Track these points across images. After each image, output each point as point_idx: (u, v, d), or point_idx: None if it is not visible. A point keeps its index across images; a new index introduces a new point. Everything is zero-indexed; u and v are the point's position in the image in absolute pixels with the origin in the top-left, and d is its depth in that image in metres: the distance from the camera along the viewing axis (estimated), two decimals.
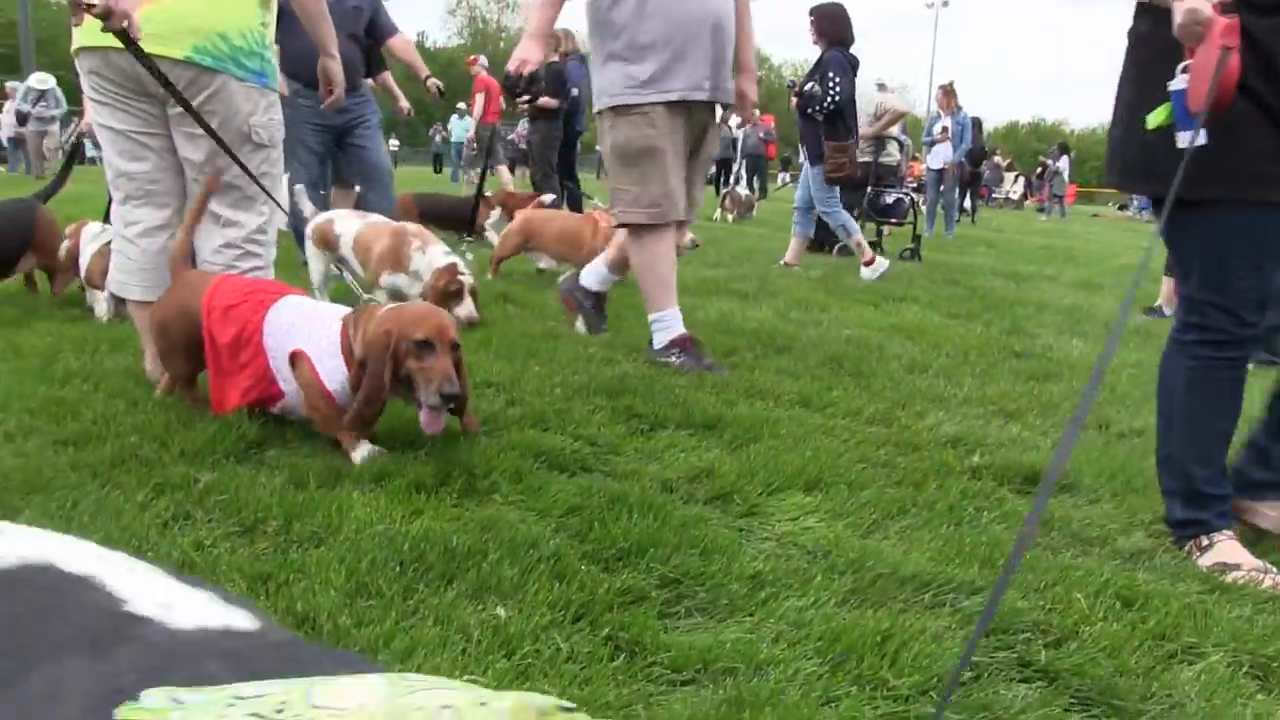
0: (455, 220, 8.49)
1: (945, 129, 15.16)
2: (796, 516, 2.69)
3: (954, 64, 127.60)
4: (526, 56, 4.31)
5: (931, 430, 3.58)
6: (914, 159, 16.06)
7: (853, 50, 8.71)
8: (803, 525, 2.64)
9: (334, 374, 3.02)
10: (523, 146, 21.58)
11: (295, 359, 3.05)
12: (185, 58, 3.36)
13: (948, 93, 15.36)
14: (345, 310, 3.15)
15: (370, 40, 7.22)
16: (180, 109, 3.43)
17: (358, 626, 1.91)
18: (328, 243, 5.58)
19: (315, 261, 5.68)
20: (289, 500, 2.56)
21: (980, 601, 2.22)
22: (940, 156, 15.17)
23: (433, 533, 2.34)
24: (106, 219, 5.29)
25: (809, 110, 8.69)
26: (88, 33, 3.35)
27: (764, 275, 8.11)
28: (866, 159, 10.70)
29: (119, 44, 3.29)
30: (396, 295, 5.14)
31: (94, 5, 2.57)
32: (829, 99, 8.59)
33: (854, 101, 9.13)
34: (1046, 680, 1.95)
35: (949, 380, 4.42)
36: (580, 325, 5.12)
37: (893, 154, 11.08)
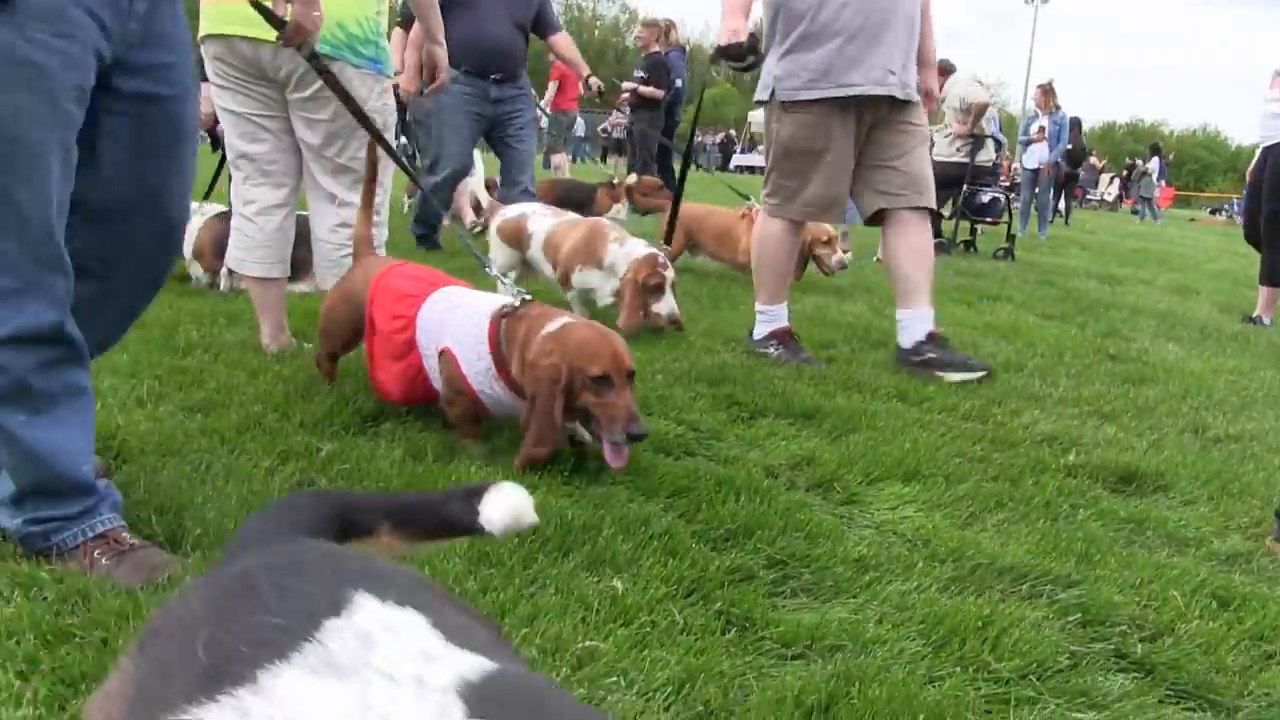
0: (573, 206, 8.55)
1: (1042, 128, 14.93)
2: (895, 506, 2.76)
3: (1053, 62, 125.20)
4: (735, 28, 4.16)
5: (1027, 428, 3.61)
6: (1006, 157, 15.82)
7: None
8: (902, 514, 2.71)
9: (482, 375, 2.92)
10: (618, 136, 21.71)
11: (443, 355, 3.00)
12: None
13: (1046, 92, 15.08)
14: (495, 303, 3.02)
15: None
16: (298, 94, 3.60)
17: (482, 593, 2.02)
18: (519, 240, 5.21)
19: (500, 255, 5.29)
20: (408, 471, 2.68)
21: (1077, 595, 2.27)
22: (1035, 156, 14.93)
23: (549, 507, 2.44)
24: (204, 197, 5.56)
25: None
26: (213, 20, 3.53)
27: (857, 270, 8.11)
28: (963, 158, 10.64)
29: (243, 32, 3.47)
30: (586, 296, 4.88)
31: (285, 23, 2.75)
32: None
33: None
34: (1142, 672, 2.00)
35: (1044, 380, 4.42)
36: (953, 376, 4.25)
37: (989, 152, 10.98)
